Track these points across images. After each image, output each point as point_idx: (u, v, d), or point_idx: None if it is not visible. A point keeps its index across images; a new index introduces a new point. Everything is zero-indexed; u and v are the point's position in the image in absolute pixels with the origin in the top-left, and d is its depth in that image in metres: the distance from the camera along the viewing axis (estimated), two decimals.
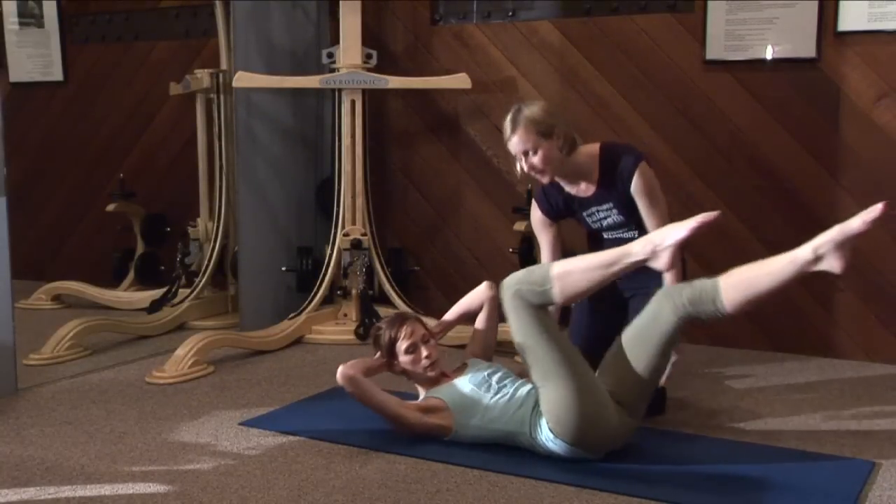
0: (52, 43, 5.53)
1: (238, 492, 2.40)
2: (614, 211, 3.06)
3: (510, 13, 4.43)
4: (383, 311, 4.19)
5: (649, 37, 4.10)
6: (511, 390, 2.71)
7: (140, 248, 5.18)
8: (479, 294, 3.08)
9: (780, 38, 3.84)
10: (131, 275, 5.13)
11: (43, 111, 5.62)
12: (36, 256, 5.54)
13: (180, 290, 4.63)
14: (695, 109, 4.03)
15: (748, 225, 3.97)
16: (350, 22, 4.16)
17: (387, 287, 4.26)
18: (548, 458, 2.60)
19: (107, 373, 3.62)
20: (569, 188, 3.10)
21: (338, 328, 4.19)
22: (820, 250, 2.42)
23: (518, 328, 2.61)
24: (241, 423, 2.96)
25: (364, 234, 4.21)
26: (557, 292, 2.55)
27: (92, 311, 4.58)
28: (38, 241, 5.61)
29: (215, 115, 4.57)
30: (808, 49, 3.79)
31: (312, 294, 4.22)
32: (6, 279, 3.26)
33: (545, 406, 2.56)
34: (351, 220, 4.23)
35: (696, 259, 4.06)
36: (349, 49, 4.18)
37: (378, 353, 2.91)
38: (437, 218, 4.66)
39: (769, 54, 3.88)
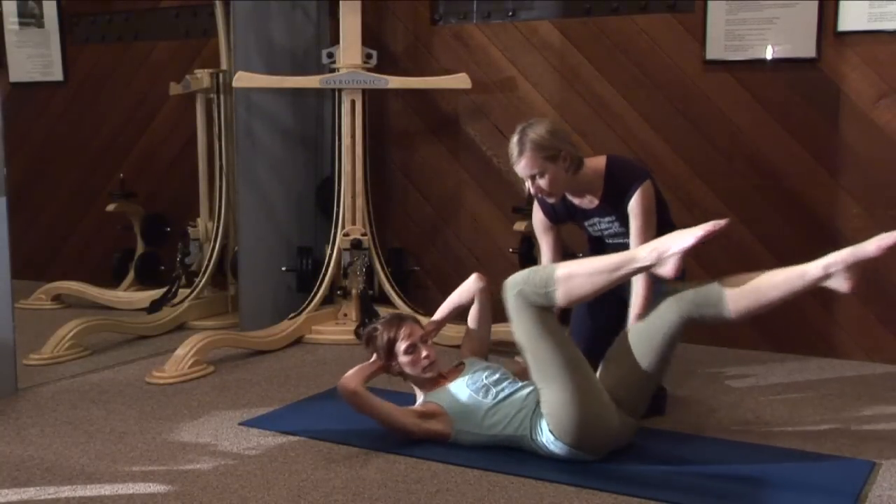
0: (52, 43, 5.53)
1: (238, 492, 2.40)
2: (616, 224, 3.07)
3: (510, 13, 4.43)
4: (383, 311, 4.19)
5: (649, 37, 4.10)
6: (510, 393, 2.71)
7: (140, 248, 5.18)
8: (469, 287, 3.07)
9: (780, 38, 3.84)
10: (131, 275, 5.13)
11: (43, 111, 5.62)
12: (36, 256, 5.54)
13: (180, 290, 4.63)
14: (695, 109, 4.03)
15: (748, 225, 3.97)
16: (350, 22, 4.16)
17: (387, 287, 4.26)
18: (548, 458, 2.60)
19: (107, 373, 3.62)
20: (573, 199, 3.11)
21: (338, 328, 4.19)
22: (830, 269, 2.45)
23: (520, 329, 2.59)
24: (241, 423, 2.96)
25: (364, 234, 4.21)
26: (560, 295, 2.54)
27: (92, 311, 4.58)
28: (38, 241, 5.61)
29: (215, 115, 4.57)
30: (808, 49, 3.79)
31: (312, 294, 4.22)
32: (6, 279, 3.26)
33: (546, 408, 2.56)
34: (351, 220, 4.23)
35: (696, 258, 4.06)
36: (349, 49, 4.18)
37: (374, 355, 2.89)
38: (437, 218, 4.66)
39: (769, 54, 3.88)
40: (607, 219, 3.08)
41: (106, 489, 2.42)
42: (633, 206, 2.97)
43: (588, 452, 2.57)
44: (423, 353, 2.84)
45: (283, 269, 4.36)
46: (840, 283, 2.46)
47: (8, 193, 3.26)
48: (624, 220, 3.03)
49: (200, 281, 4.55)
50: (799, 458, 2.68)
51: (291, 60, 4.42)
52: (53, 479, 2.49)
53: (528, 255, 4.26)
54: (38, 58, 5.59)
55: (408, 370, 2.86)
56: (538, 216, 3.22)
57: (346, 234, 4.21)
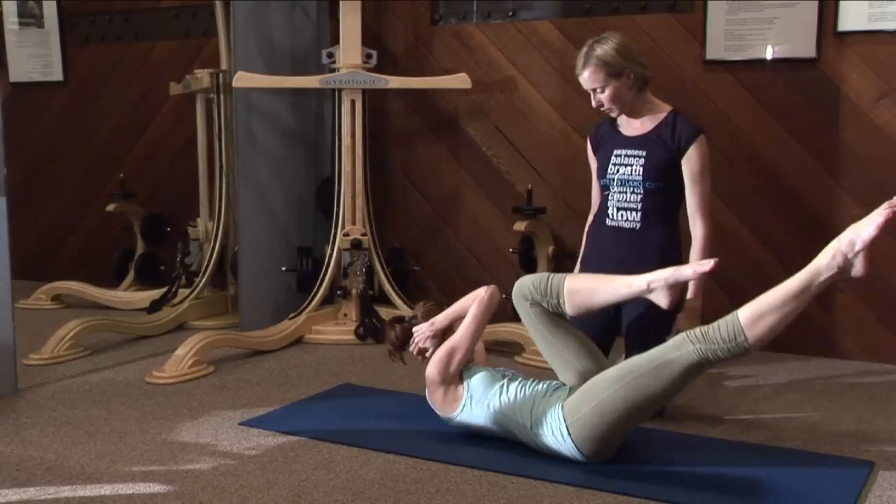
0: (52, 43, 5.53)
1: (238, 492, 2.40)
2: (639, 162, 3.04)
3: (510, 13, 4.43)
4: (383, 311, 4.20)
5: (649, 37, 4.10)
6: (522, 382, 2.72)
7: (140, 248, 5.18)
8: (472, 297, 3.10)
9: (780, 38, 3.84)
10: (131, 275, 5.13)
11: (43, 111, 5.63)
12: (36, 256, 5.54)
13: (180, 290, 4.63)
14: (695, 109, 4.02)
15: (748, 225, 3.97)
16: (350, 22, 4.16)
17: (387, 287, 4.26)
18: (548, 457, 2.59)
19: (107, 373, 3.62)
20: (623, 124, 3.14)
21: (338, 328, 4.19)
22: (653, 285, 2.55)
23: (543, 341, 2.72)
24: (241, 423, 2.96)
25: (364, 234, 4.21)
26: (569, 308, 2.63)
27: (92, 311, 4.57)
28: (38, 241, 5.62)
29: (215, 115, 4.57)
30: (808, 49, 3.79)
31: (312, 294, 4.22)
32: (6, 279, 3.26)
33: (567, 410, 2.54)
34: (351, 220, 4.23)
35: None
36: (349, 49, 4.18)
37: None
38: (437, 218, 4.66)
39: (769, 54, 3.88)
40: (638, 153, 3.06)
41: (106, 489, 2.42)
42: (693, 154, 3.00)
43: (591, 457, 2.56)
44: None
45: (283, 269, 4.36)
46: (659, 299, 2.55)
47: (8, 193, 3.26)
48: (652, 162, 3.03)
49: (200, 281, 4.55)
50: (799, 458, 2.68)
51: (291, 60, 4.42)
52: (53, 479, 2.49)
53: (528, 255, 4.27)
54: (38, 58, 5.59)
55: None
56: (588, 149, 3.27)
57: (346, 234, 4.21)
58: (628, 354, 3.00)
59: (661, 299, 2.57)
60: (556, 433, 2.56)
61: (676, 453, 2.71)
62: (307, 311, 4.17)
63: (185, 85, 4.69)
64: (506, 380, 2.72)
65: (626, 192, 3.07)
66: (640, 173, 3.04)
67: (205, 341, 3.64)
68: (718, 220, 3.98)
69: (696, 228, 3.04)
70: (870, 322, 3.82)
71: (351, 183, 4.22)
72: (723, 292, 4.02)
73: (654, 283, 2.55)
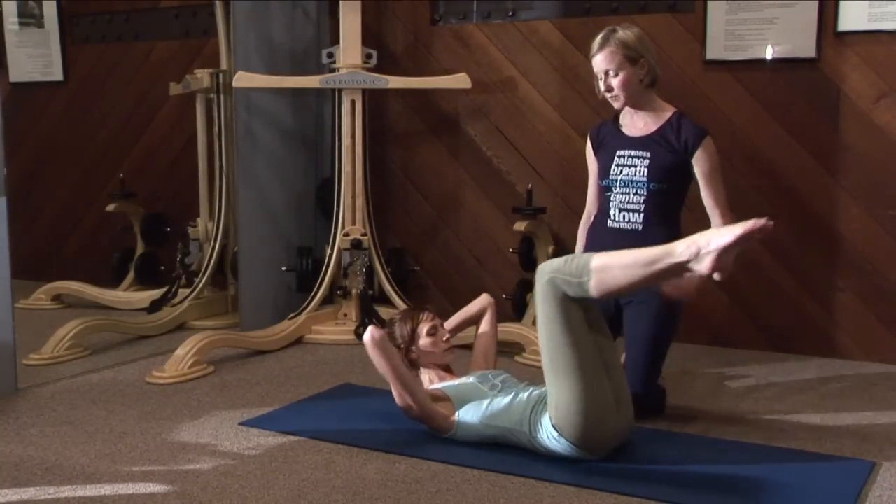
0: (52, 43, 5.53)
1: (238, 492, 2.40)
2: (644, 163, 3.02)
3: (510, 13, 4.43)
4: (383, 311, 4.20)
5: (649, 37, 4.08)
6: (513, 389, 2.74)
7: (140, 248, 5.18)
8: (478, 303, 3.15)
9: (780, 38, 3.84)
10: (131, 275, 5.13)
11: (43, 111, 5.63)
12: (36, 256, 5.54)
13: (180, 290, 4.63)
14: (695, 109, 4.01)
15: None
16: (350, 22, 4.16)
17: (387, 287, 4.26)
18: (548, 458, 2.59)
19: (107, 373, 3.62)
20: (626, 124, 3.12)
21: (338, 328, 4.19)
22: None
23: (543, 316, 2.55)
24: (241, 423, 2.96)
25: (364, 234, 4.21)
26: (594, 286, 2.45)
27: (92, 311, 4.57)
28: (38, 241, 5.61)
29: (215, 115, 4.57)
30: (808, 49, 3.79)
31: (312, 294, 4.22)
32: (6, 279, 3.26)
33: (552, 401, 2.55)
34: (351, 220, 4.23)
35: None
36: (349, 49, 4.18)
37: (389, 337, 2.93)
38: (437, 218, 4.66)
39: (769, 54, 3.88)
40: (642, 154, 3.04)
41: (106, 489, 2.42)
42: (703, 155, 2.99)
43: (588, 451, 2.57)
44: (444, 336, 2.96)
45: (283, 269, 4.36)
46: (703, 266, 2.35)
47: (8, 193, 3.26)
48: (657, 163, 3.01)
49: (200, 281, 4.55)
50: (799, 458, 2.68)
51: (291, 60, 4.42)
52: (53, 479, 2.49)
53: (528, 255, 4.26)
54: (38, 58, 5.59)
55: (429, 350, 2.94)
56: (588, 148, 3.24)
57: (346, 234, 4.21)
58: (629, 355, 3.01)
59: (706, 266, 2.34)
60: (550, 437, 2.57)
61: (676, 453, 2.71)
62: (307, 311, 4.17)
63: (185, 85, 4.69)
64: (493, 392, 2.74)
65: (629, 194, 3.05)
66: (645, 174, 3.02)
67: (205, 341, 3.64)
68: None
69: (716, 219, 3.01)
70: (870, 322, 3.82)
71: (351, 183, 4.22)
72: (723, 293, 4.02)
73: (705, 248, 2.32)
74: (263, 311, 4.27)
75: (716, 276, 2.35)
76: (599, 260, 2.45)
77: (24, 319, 3.97)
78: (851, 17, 3.72)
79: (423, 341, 2.95)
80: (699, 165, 3.01)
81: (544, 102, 4.34)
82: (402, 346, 2.95)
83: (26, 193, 5.50)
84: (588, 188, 3.26)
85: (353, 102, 4.19)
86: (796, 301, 3.92)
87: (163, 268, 5.13)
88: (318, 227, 4.57)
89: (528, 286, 4.06)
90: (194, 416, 3.06)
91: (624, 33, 3.00)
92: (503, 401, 2.69)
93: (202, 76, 4.55)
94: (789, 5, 3.81)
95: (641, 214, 3.03)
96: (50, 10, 5.50)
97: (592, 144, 3.22)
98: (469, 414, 2.71)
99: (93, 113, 5.48)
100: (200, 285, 4.54)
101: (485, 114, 4.47)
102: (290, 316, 4.16)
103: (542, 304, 2.55)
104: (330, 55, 4.31)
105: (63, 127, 5.59)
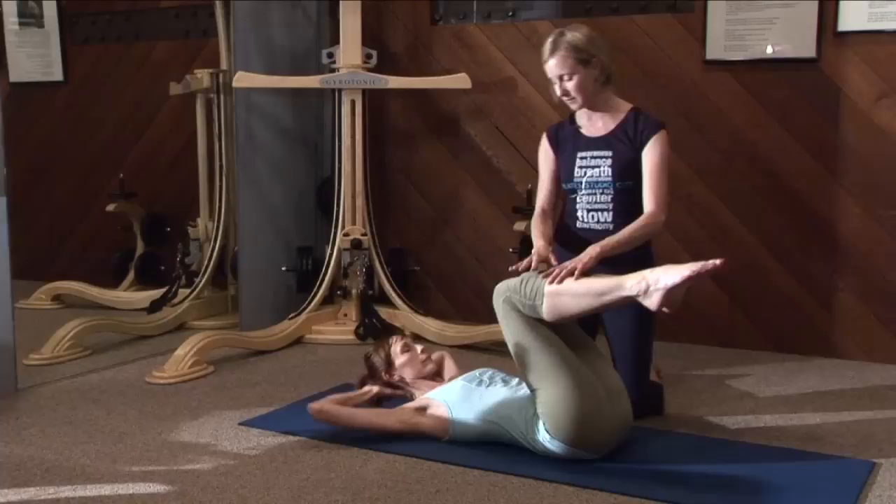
0: (52, 43, 5.53)
1: (238, 492, 2.40)
2: (607, 162, 2.99)
3: (510, 13, 4.43)
4: (383, 311, 4.20)
5: (649, 37, 4.10)
6: (503, 383, 2.75)
7: (140, 248, 5.18)
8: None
9: (780, 38, 3.84)
10: (131, 275, 5.13)
11: (43, 111, 5.62)
12: (36, 256, 5.54)
13: (180, 290, 4.63)
14: (695, 109, 4.03)
15: (748, 225, 3.97)
16: (350, 22, 4.16)
17: (387, 287, 4.26)
18: (548, 458, 2.59)
19: (107, 373, 3.62)
20: (584, 124, 3.08)
21: (338, 328, 4.19)
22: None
23: (509, 332, 2.66)
24: (241, 423, 2.96)
25: (364, 234, 4.21)
26: (546, 310, 2.58)
27: (92, 311, 4.58)
28: (38, 241, 5.61)
29: (215, 115, 4.57)
30: (808, 49, 3.79)
31: (312, 294, 4.22)
32: (6, 279, 3.26)
33: (542, 408, 2.57)
34: (351, 220, 4.23)
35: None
36: (349, 49, 4.18)
37: (372, 377, 2.96)
38: (437, 218, 4.66)
39: (769, 54, 3.87)
40: (604, 154, 3.00)
41: (106, 489, 2.42)
42: (651, 147, 2.95)
43: (586, 450, 2.57)
44: (419, 349, 2.98)
45: (283, 269, 4.36)
46: (652, 301, 2.48)
47: (8, 193, 3.26)
48: (619, 163, 2.97)
49: (200, 281, 4.55)
50: (799, 458, 2.68)
51: (291, 60, 4.42)
52: (53, 479, 2.49)
53: (527, 255, 4.25)
54: (38, 58, 5.59)
55: (408, 370, 2.93)
56: (544, 146, 3.19)
57: (346, 234, 4.21)
58: (615, 356, 2.99)
59: (654, 302, 2.48)
60: (545, 440, 2.58)
61: (676, 453, 2.71)
62: (307, 311, 4.17)
63: (185, 85, 4.69)
64: (482, 387, 2.75)
65: (595, 194, 3.02)
66: (609, 174, 2.99)
67: (205, 341, 3.64)
68: (718, 220, 4.00)
69: (648, 211, 2.91)
70: (870, 322, 3.82)
71: (351, 183, 4.22)
72: (723, 292, 4.02)
73: (654, 286, 2.44)
74: (263, 311, 4.27)
75: (664, 310, 2.47)
76: (553, 286, 2.57)
77: (24, 319, 3.97)
78: (851, 17, 3.72)
79: (400, 360, 2.95)
80: (647, 157, 2.95)
81: (544, 102, 4.34)
82: (383, 372, 2.95)
83: (26, 193, 5.50)
84: (539, 185, 3.19)
85: (353, 102, 4.19)
86: (796, 301, 3.92)
87: (163, 268, 5.13)
88: (318, 227, 4.57)
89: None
90: (194, 416, 3.06)
91: (573, 35, 2.95)
92: (496, 393, 2.71)
93: (202, 76, 4.55)
94: (789, 5, 3.81)
95: (610, 213, 3.00)
96: (50, 10, 5.50)
97: (550, 143, 3.15)
98: (463, 411, 2.72)
99: (93, 113, 5.48)
100: (200, 285, 4.54)
101: (485, 114, 4.47)
102: (290, 316, 4.16)
103: (504, 319, 2.66)
104: (330, 55, 4.31)
105: (63, 127, 5.59)
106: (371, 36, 4.46)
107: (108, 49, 5.42)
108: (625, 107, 3.06)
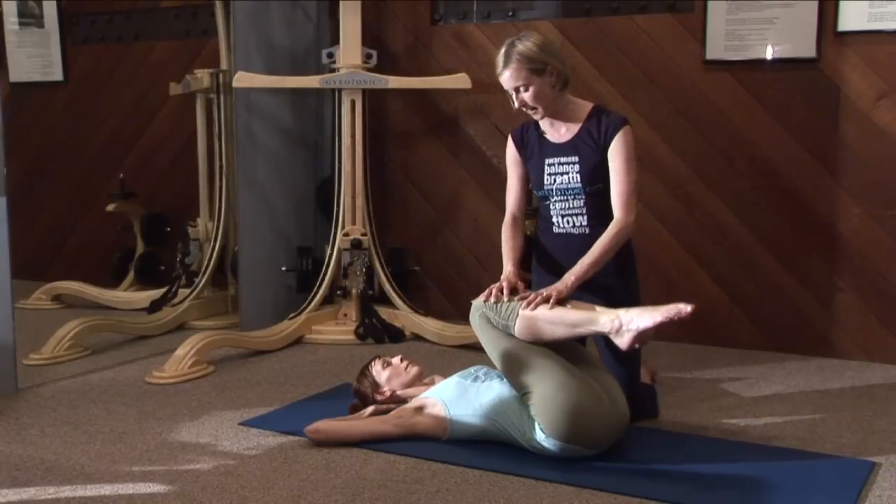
0: (52, 43, 5.53)
1: (238, 492, 2.40)
2: (574, 168, 2.96)
3: (510, 13, 4.43)
4: (383, 311, 4.20)
5: (649, 37, 4.10)
6: (500, 379, 2.74)
7: (140, 248, 5.18)
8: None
9: (780, 38, 3.84)
10: (131, 275, 5.13)
11: (43, 111, 5.62)
12: (36, 256, 5.54)
13: (180, 290, 4.63)
14: (695, 109, 4.03)
15: (748, 225, 3.97)
16: (350, 22, 4.16)
17: (387, 287, 4.26)
18: (548, 458, 2.59)
19: (107, 373, 3.62)
20: (547, 131, 3.04)
21: (338, 328, 4.19)
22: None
23: (492, 344, 2.72)
24: (241, 423, 2.96)
25: (364, 234, 4.21)
26: (518, 331, 2.66)
27: (92, 311, 4.58)
28: (38, 241, 5.61)
29: (215, 115, 4.57)
30: (808, 49, 3.79)
31: (312, 294, 4.22)
32: (6, 279, 3.26)
33: (534, 409, 2.59)
34: (351, 220, 4.23)
35: (696, 258, 4.07)
36: (349, 49, 4.18)
37: (365, 405, 2.93)
38: (437, 218, 4.66)
39: (769, 54, 3.88)
40: (571, 159, 2.97)
41: (106, 489, 2.42)
42: (616, 144, 2.91)
43: (582, 446, 2.57)
44: (398, 359, 2.97)
45: (283, 269, 4.36)
46: (623, 342, 2.58)
47: (8, 193, 3.26)
48: (587, 167, 2.95)
49: (200, 281, 4.55)
50: (799, 458, 2.68)
51: (291, 60, 4.42)
52: (53, 479, 2.49)
53: (528, 255, 4.25)
54: (38, 58, 5.59)
55: (394, 381, 2.92)
56: (511, 149, 3.14)
57: (346, 234, 4.21)
58: (600, 349, 2.98)
59: (624, 342, 2.57)
60: (538, 433, 2.58)
61: (676, 453, 2.71)
62: (307, 311, 4.17)
63: (185, 85, 4.69)
64: (478, 383, 2.76)
65: (567, 200, 3.00)
66: (578, 180, 2.96)
67: (205, 341, 3.64)
68: (718, 219, 4.00)
69: (615, 220, 2.89)
70: (870, 322, 3.82)
71: (351, 183, 4.22)
72: (723, 292, 4.03)
73: (626, 326, 2.55)
74: (263, 311, 4.27)
75: (635, 346, 2.58)
76: (527, 311, 2.66)
77: (24, 319, 3.98)
78: (851, 17, 3.72)
79: (384, 376, 2.92)
80: (611, 156, 2.92)
81: None
82: (374, 395, 2.93)
83: (26, 193, 5.50)
84: (508, 188, 3.16)
85: (353, 102, 4.19)
86: (796, 301, 3.92)
87: (163, 268, 5.13)
88: (318, 227, 4.57)
89: (527, 286, 4.05)
90: (194, 416, 3.06)
91: (523, 45, 2.90)
92: (492, 389, 2.71)
93: (202, 76, 4.55)
94: (789, 5, 3.81)
95: (585, 217, 2.98)
96: (50, 10, 5.50)
97: (516, 146, 3.11)
98: (460, 408, 2.72)
99: (93, 113, 5.48)
100: (200, 285, 4.54)
101: (485, 114, 4.47)
102: (290, 316, 4.16)
103: (483, 333, 2.75)
104: (330, 55, 4.31)
105: (63, 127, 5.59)
106: (371, 36, 4.46)
107: (108, 49, 5.42)
108: (586, 107, 3.02)
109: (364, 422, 2.80)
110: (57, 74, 5.55)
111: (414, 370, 2.95)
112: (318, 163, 4.61)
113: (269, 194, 4.38)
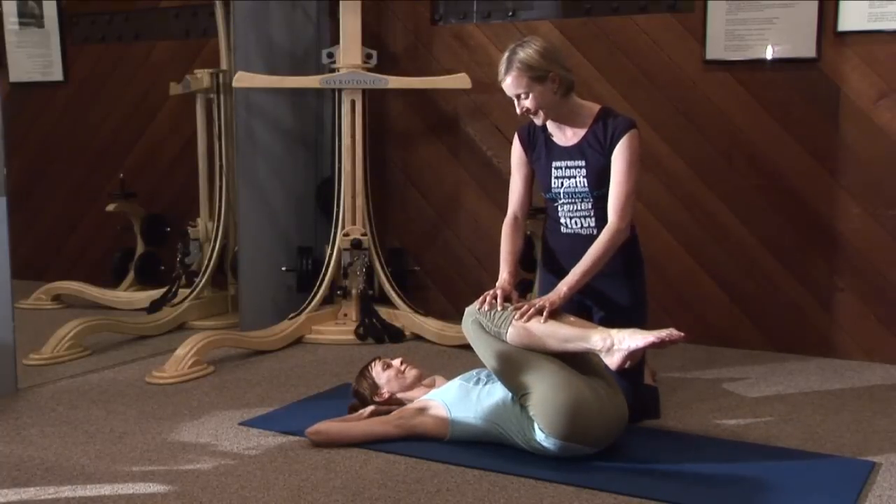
0: (52, 43, 5.53)
1: (238, 492, 2.40)
2: (581, 172, 2.97)
3: (510, 13, 4.43)
4: (383, 311, 4.20)
5: (649, 37, 4.10)
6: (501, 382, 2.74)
7: (140, 248, 5.18)
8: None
9: (780, 38, 3.84)
10: (131, 275, 5.13)
11: (43, 111, 5.62)
12: (36, 256, 5.54)
13: (180, 290, 4.63)
14: (695, 109, 4.03)
15: (748, 225, 3.97)
16: (350, 22, 4.16)
17: (387, 287, 4.26)
18: (548, 458, 2.59)
19: (107, 373, 3.62)
20: (554, 133, 3.03)
21: (338, 328, 4.19)
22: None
23: (486, 349, 2.72)
24: (241, 423, 2.96)
25: (364, 234, 4.21)
26: (510, 338, 2.67)
27: (92, 311, 4.58)
28: (38, 241, 5.61)
29: (215, 115, 4.57)
30: (808, 49, 3.79)
31: (312, 294, 4.22)
32: (6, 279, 3.26)
33: (532, 410, 2.59)
34: (351, 220, 4.23)
35: (696, 258, 4.07)
36: (349, 49, 4.18)
37: (364, 406, 2.93)
38: (437, 218, 4.66)
39: (769, 54, 3.88)
40: (577, 163, 2.97)
41: (106, 489, 2.42)
42: (621, 147, 2.91)
43: (582, 444, 2.57)
44: (397, 361, 2.96)
45: (283, 269, 4.36)
46: (612, 361, 2.60)
47: (8, 193, 3.26)
48: (593, 171, 2.95)
49: (200, 281, 4.55)
50: (799, 458, 2.69)
51: (291, 60, 4.42)
52: (53, 479, 2.49)
53: (528, 256, 4.26)
54: (38, 58, 5.59)
55: (394, 384, 2.92)
56: (516, 148, 3.13)
57: (346, 234, 4.21)
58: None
59: (615, 361, 2.58)
60: (537, 432, 2.58)
61: (676, 453, 2.71)
62: (307, 311, 4.17)
63: (185, 85, 4.69)
64: (479, 386, 2.76)
65: (575, 203, 3.01)
66: (585, 184, 2.96)
67: (205, 341, 3.64)
68: (718, 220, 4.00)
69: (608, 226, 2.89)
70: (870, 322, 3.82)
71: (351, 183, 4.22)
72: (723, 292, 4.03)
73: (617, 345, 2.57)
74: (263, 311, 4.27)
75: (626, 366, 2.60)
76: (520, 322, 2.67)
77: (24, 319, 3.97)
78: (851, 17, 3.72)
79: (383, 378, 2.92)
80: (615, 159, 2.91)
81: None
82: (373, 396, 2.93)
83: (26, 193, 5.50)
84: (511, 187, 3.15)
85: (353, 102, 4.19)
86: (796, 301, 3.92)
87: (163, 268, 5.13)
88: (318, 227, 4.57)
89: (528, 287, 4.06)
90: (194, 416, 3.06)
91: (525, 53, 2.87)
92: (494, 392, 2.71)
93: (202, 76, 4.55)
94: (789, 5, 3.81)
95: (593, 219, 2.99)
96: (50, 10, 5.50)
97: (523, 145, 3.10)
98: (462, 410, 2.72)
99: (93, 113, 5.48)
100: (200, 285, 4.54)
101: (485, 114, 4.47)
102: (290, 316, 4.16)
103: (476, 339, 2.74)
104: (330, 55, 4.31)
105: (63, 127, 5.59)
106: (371, 36, 4.46)
107: (108, 49, 5.41)
108: (593, 109, 3.00)
109: (366, 422, 2.80)
110: (57, 74, 5.55)
111: (413, 373, 2.95)
112: (318, 163, 4.61)
113: (269, 194, 4.38)
